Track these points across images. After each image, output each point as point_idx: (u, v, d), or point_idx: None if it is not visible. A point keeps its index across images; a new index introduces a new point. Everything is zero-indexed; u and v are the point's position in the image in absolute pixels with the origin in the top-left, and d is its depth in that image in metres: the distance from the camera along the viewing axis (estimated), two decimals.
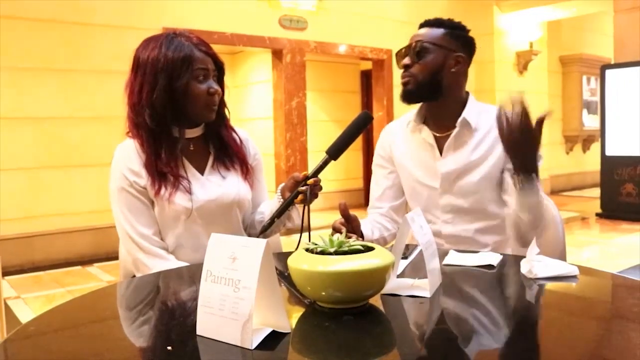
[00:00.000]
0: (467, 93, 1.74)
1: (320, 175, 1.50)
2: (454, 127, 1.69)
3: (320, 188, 1.51)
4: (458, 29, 1.71)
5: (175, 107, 1.53)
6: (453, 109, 1.69)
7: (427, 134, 1.73)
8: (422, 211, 1.25)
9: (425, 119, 1.76)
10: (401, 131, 1.82)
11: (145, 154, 1.55)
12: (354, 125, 1.50)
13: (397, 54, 1.74)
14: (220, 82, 1.61)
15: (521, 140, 1.39)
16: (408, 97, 1.70)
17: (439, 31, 1.68)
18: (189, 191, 1.55)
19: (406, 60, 1.68)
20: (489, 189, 1.68)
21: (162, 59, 1.51)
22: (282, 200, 1.58)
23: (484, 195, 1.68)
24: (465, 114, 1.68)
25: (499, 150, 1.64)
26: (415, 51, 1.66)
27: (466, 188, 1.69)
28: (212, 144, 1.66)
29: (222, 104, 1.64)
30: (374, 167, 1.90)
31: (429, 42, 1.66)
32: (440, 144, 1.72)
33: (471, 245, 1.71)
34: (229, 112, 1.69)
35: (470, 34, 1.74)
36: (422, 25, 1.73)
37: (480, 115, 1.70)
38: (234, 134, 1.69)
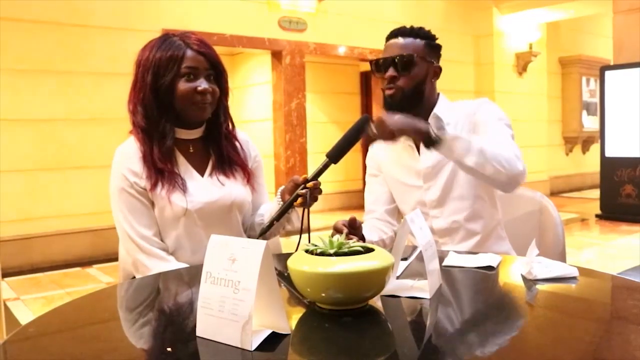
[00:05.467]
0: (438, 94, 1.79)
1: (319, 178, 1.50)
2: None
3: (320, 191, 1.51)
4: (432, 39, 1.75)
5: (163, 105, 1.54)
6: (427, 110, 1.74)
7: (405, 137, 1.76)
8: None
9: None
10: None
11: (142, 151, 1.56)
12: (354, 129, 1.51)
13: (375, 63, 1.73)
14: (219, 83, 1.60)
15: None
16: (393, 108, 1.71)
17: (419, 42, 1.71)
18: (184, 190, 1.55)
19: (392, 72, 1.69)
20: (467, 174, 1.70)
21: (151, 59, 1.54)
22: (281, 203, 1.58)
23: (465, 181, 1.73)
24: (436, 110, 1.74)
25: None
26: (402, 63, 1.68)
27: (446, 179, 1.74)
28: (212, 148, 1.66)
29: (221, 108, 1.63)
30: (367, 178, 1.96)
31: (415, 54, 1.68)
32: (418, 144, 1.77)
33: (461, 235, 1.74)
34: (231, 123, 1.68)
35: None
36: (397, 34, 1.72)
37: (451, 111, 1.76)
38: (235, 142, 1.69)
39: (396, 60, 1.68)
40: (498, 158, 1.50)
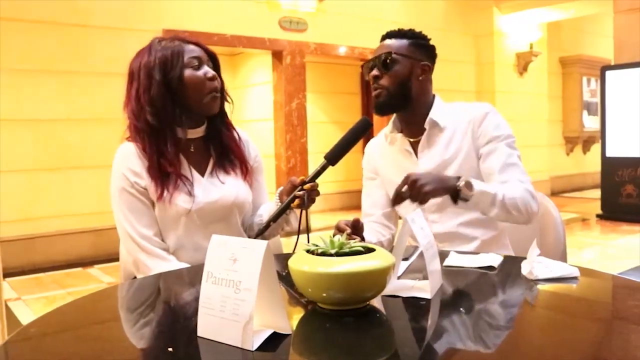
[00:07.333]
0: (434, 96, 1.80)
1: (320, 178, 1.50)
2: (425, 129, 1.74)
3: (318, 193, 1.52)
4: (421, 39, 1.76)
5: (176, 99, 1.55)
6: (422, 113, 1.75)
7: (402, 140, 1.80)
8: None
9: (400, 128, 1.82)
10: (381, 145, 1.88)
11: (148, 157, 1.55)
12: (353, 131, 1.51)
13: (363, 66, 1.78)
14: (217, 74, 1.62)
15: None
16: (381, 108, 1.74)
17: (403, 42, 1.73)
18: (190, 192, 1.55)
19: (375, 72, 1.72)
20: None
21: (153, 59, 1.55)
22: (279, 204, 1.58)
23: None
24: (432, 114, 1.74)
25: (468, 142, 1.71)
26: (384, 62, 1.71)
27: None
28: (213, 147, 1.66)
29: (222, 97, 1.65)
30: (363, 181, 1.95)
31: (396, 52, 1.71)
32: (415, 148, 1.78)
33: (461, 240, 1.73)
34: (231, 101, 1.69)
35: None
36: (385, 37, 1.77)
37: (448, 114, 1.76)
38: (234, 133, 1.70)
39: (376, 60, 1.72)
40: (517, 205, 1.58)
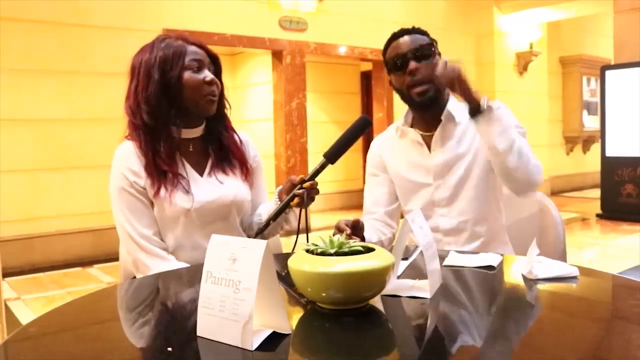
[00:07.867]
0: (448, 94, 1.79)
1: (319, 177, 1.50)
2: (439, 123, 1.75)
3: (317, 191, 1.52)
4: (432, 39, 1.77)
5: (173, 100, 1.55)
6: (439, 108, 1.75)
7: (414, 134, 1.79)
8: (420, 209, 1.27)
9: (412, 122, 1.82)
10: (390, 139, 1.88)
11: (144, 154, 1.55)
12: (352, 129, 1.51)
13: (395, 59, 1.71)
14: (218, 77, 1.62)
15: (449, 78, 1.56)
16: (430, 102, 1.70)
17: (425, 37, 1.73)
18: (188, 191, 1.55)
19: (415, 64, 1.67)
20: (479, 176, 1.73)
21: (154, 57, 1.55)
22: (279, 202, 1.58)
23: (476, 183, 1.73)
24: (449, 107, 1.74)
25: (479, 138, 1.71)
26: (423, 53, 1.68)
27: (458, 179, 1.73)
28: (212, 147, 1.66)
29: (221, 101, 1.64)
30: (367, 178, 1.94)
31: (429, 45, 1.70)
32: (427, 142, 1.78)
33: (466, 237, 1.74)
34: (229, 107, 1.69)
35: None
36: (401, 34, 1.73)
37: (462, 110, 1.76)
38: (234, 135, 1.70)
39: (417, 50, 1.68)
40: (524, 157, 1.58)
